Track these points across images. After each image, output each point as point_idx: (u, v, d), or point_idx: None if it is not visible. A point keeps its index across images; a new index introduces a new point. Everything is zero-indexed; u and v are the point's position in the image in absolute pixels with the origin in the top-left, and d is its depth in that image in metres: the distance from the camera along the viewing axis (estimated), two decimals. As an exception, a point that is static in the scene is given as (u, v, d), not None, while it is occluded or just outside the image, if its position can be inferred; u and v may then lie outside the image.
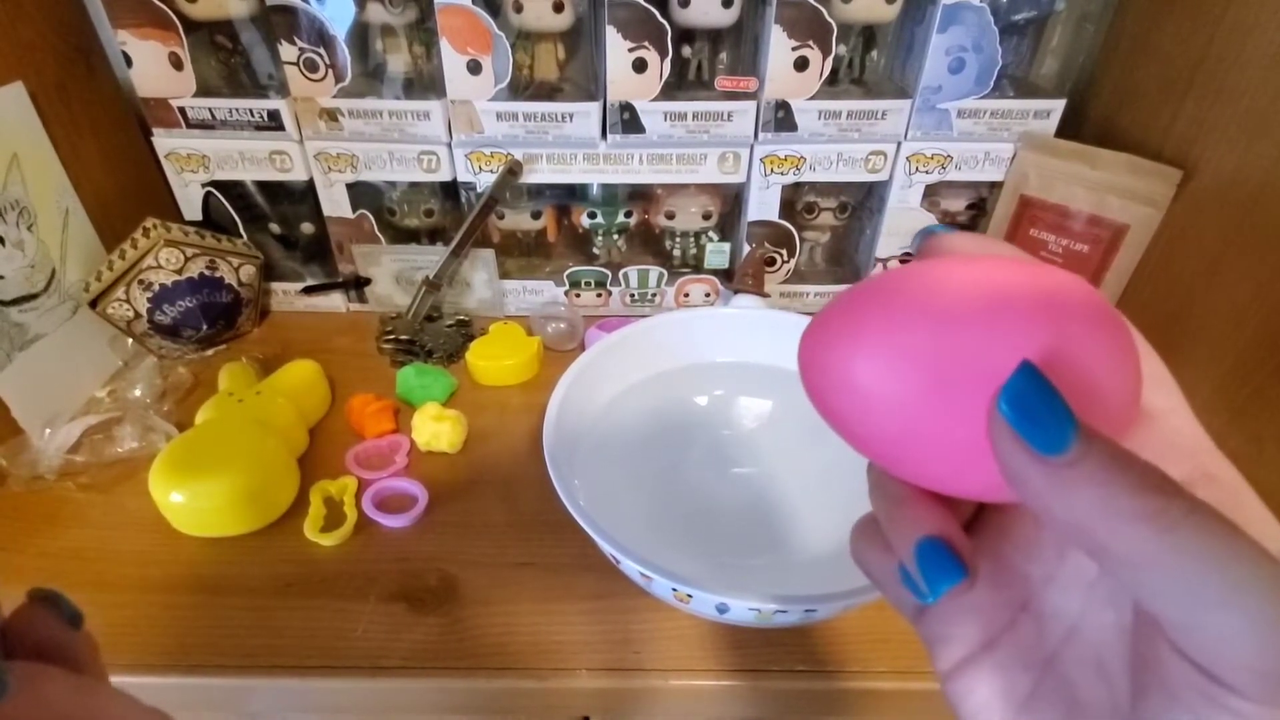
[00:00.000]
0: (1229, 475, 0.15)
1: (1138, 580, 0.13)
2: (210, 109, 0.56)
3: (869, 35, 0.57)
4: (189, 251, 0.57)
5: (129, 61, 0.54)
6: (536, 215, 0.64)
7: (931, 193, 0.62)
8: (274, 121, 0.57)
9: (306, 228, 0.65)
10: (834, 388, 0.17)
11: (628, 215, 0.64)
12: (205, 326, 0.59)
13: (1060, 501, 0.13)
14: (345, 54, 0.54)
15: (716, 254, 0.65)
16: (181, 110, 0.56)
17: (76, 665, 0.19)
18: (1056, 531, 0.14)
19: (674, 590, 0.34)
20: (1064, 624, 0.18)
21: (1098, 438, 0.13)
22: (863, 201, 0.65)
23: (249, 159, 0.59)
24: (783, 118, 0.57)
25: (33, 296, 0.51)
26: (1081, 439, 0.13)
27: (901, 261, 0.65)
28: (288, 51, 0.54)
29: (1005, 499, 0.16)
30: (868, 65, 0.59)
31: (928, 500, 0.17)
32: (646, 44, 0.53)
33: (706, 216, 0.63)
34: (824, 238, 0.67)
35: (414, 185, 0.62)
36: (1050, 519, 0.14)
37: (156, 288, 0.56)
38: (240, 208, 0.62)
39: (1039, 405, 0.13)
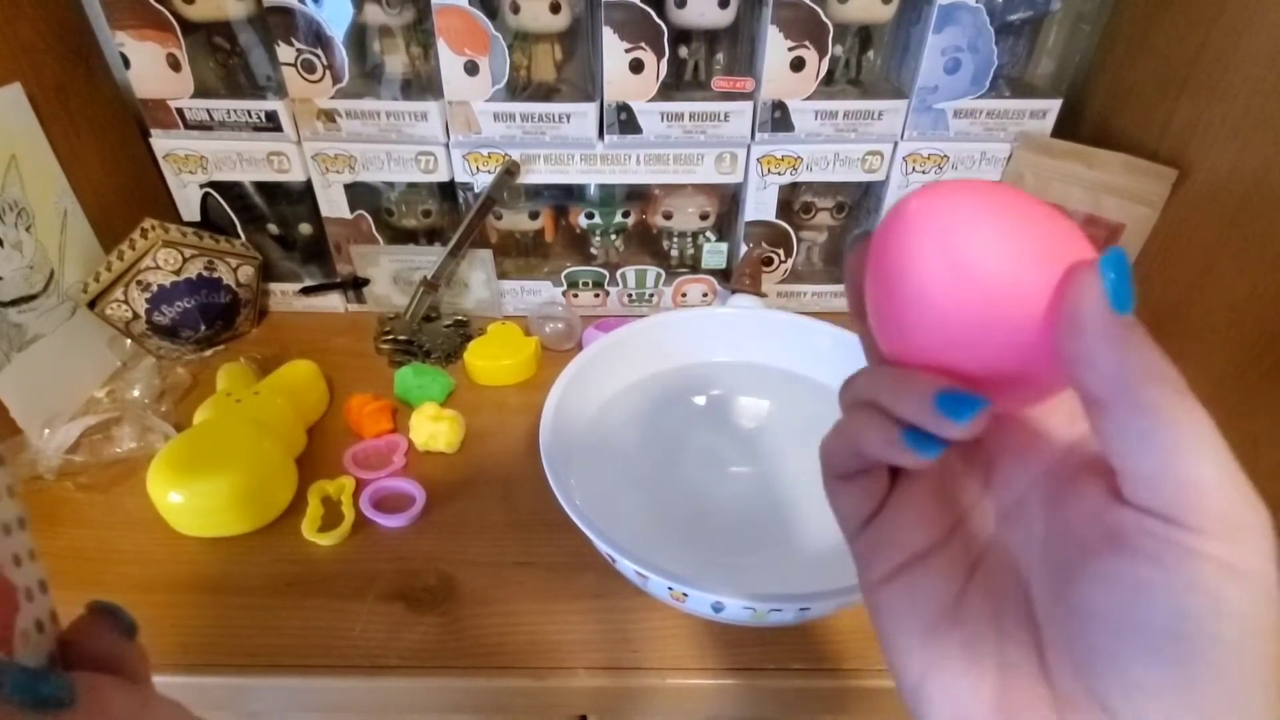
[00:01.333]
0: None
1: (1140, 428, 0.16)
2: (208, 110, 0.56)
3: (865, 36, 0.58)
4: (187, 252, 0.57)
5: (127, 63, 0.54)
6: (534, 215, 0.64)
7: (928, 192, 0.62)
8: (272, 122, 0.57)
9: (304, 228, 0.65)
10: (928, 257, 0.18)
11: (625, 215, 0.64)
12: (203, 327, 0.59)
13: (1112, 352, 0.16)
14: (343, 55, 0.54)
15: (714, 254, 0.65)
16: (179, 111, 0.57)
17: (131, 675, 0.19)
18: (1089, 381, 0.16)
19: (670, 589, 0.34)
20: (982, 540, 0.21)
21: (1139, 325, 0.16)
22: (860, 201, 0.65)
23: (247, 160, 0.59)
24: (779, 118, 0.57)
25: (31, 297, 0.51)
26: (1135, 313, 0.16)
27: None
28: (285, 53, 0.54)
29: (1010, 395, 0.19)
30: (864, 65, 0.59)
31: (933, 372, 0.19)
32: (643, 45, 0.53)
33: (704, 217, 0.63)
34: (821, 238, 0.67)
35: (412, 186, 0.62)
36: (1091, 367, 0.16)
37: (155, 288, 0.56)
38: (238, 208, 0.62)
39: (1124, 275, 0.16)
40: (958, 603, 0.20)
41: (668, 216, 0.63)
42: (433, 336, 0.62)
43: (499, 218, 0.64)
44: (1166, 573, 0.15)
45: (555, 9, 0.53)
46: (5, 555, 0.17)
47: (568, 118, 0.57)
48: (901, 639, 0.20)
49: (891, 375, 0.19)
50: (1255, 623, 0.15)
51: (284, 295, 0.67)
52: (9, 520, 0.17)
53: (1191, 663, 0.15)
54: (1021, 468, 0.20)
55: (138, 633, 0.20)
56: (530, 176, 0.59)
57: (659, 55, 0.54)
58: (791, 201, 0.64)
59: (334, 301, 0.67)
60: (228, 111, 0.57)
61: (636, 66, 0.54)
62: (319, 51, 0.54)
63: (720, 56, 0.58)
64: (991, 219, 0.18)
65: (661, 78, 0.55)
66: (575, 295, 0.66)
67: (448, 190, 0.61)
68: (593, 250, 0.66)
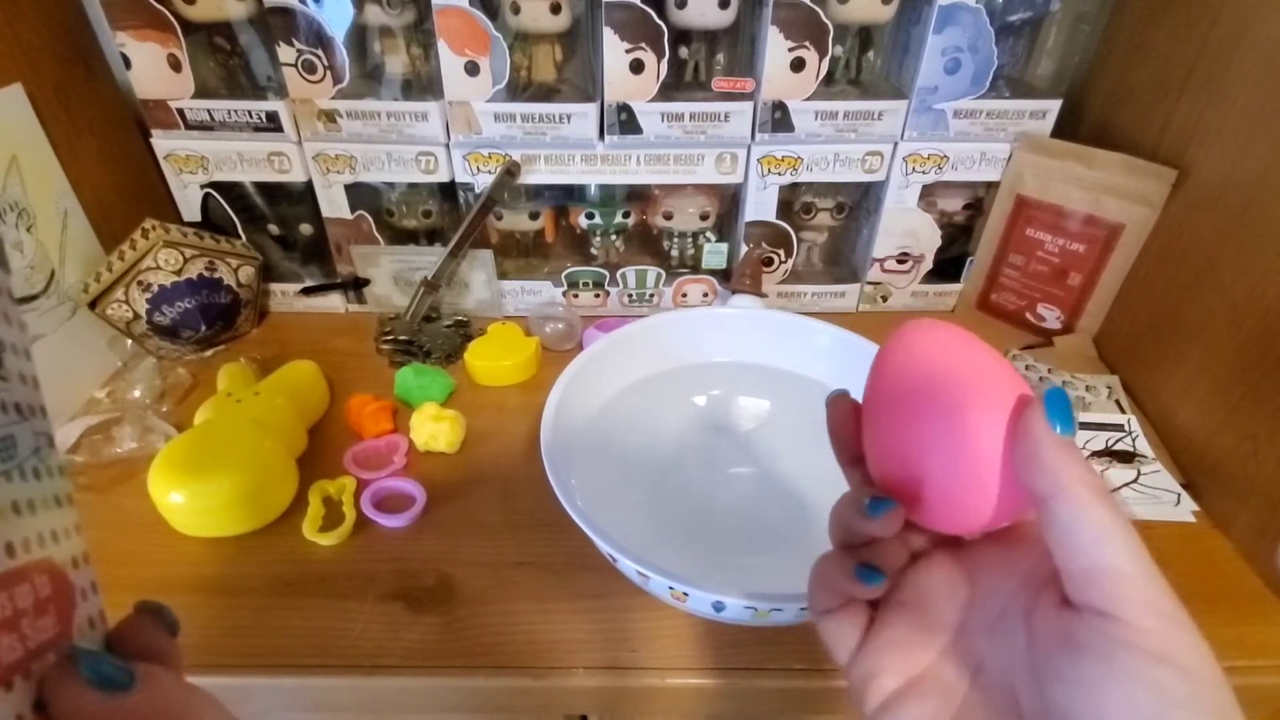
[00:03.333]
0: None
1: (1072, 519, 0.18)
2: (209, 110, 0.57)
3: (865, 36, 0.58)
4: (188, 253, 0.57)
5: (128, 63, 0.54)
6: (534, 216, 0.64)
7: (928, 193, 0.62)
8: (272, 123, 0.57)
9: (305, 229, 0.65)
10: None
11: (625, 216, 0.64)
12: (204, 327, 0.59)
13: (1052, 458, 0.19)
14: (343, 55, 0.54)
15: (714, 254, 0.65)
16: (180, 112, 0.57)
17: (175, 670, 0.20)
18: (1036, 480, 0.19)
19: (671, 589, 0.34)
20: (975, 660, 0.22)
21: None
22: (860, 202, 0.65)
23: (248, 160, 0.59)
24: (780, 118, 0.57)
25: (32, 297, 0.51)
26: (1073, 434, 0.19)
27: (899, 261, 0.65)
28: (286, 53, 0.54)
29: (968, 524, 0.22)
30: (864, 66, 0.59)
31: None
32: (644, 45, 0.53)
33: (704, 217, 0.63)
34: (821, 238, 0.67)
35: (412, 186, 0.62)
36: (1039, 468, 0.19)
37: (155, 289, 0.56)
38: (239, 209, 0.62)
39: (1064, 407, 0.20)
40: None
41: (668, 217, 0.63)
42: (433, 337, 0.62)
43: (499, 218, 0.64)
44: (1110, 666, 0.17)
45: (556, 9, 0.53)
46: (65, 557, 0.18)
47: (568, 118, 0.57)
48: None
49: (849, 494, 0.24)
50: (1201, 708, 0.16)
51: (284, 295, 0.67)
52: (69, 525, 0.19)
53: None
54: (1001, 581, 0.22)
55: (179, 631, 0.21)
56: (531, 177, 0.59)
57: (659, 56, 0.54)
58: (792, 202, 0.64)
59: (334, 302, 0.67)
60: (228, 112, 0.57)
61: (637, 67, 0.54)
62: (320, 52, 0.54)
63: (720, 57, 0.58)
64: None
65: (662, 78, 0.55)
66: (576, 295, 0.66)
67: (448, 191, 0.61)
68: (593, 250, 0.67)
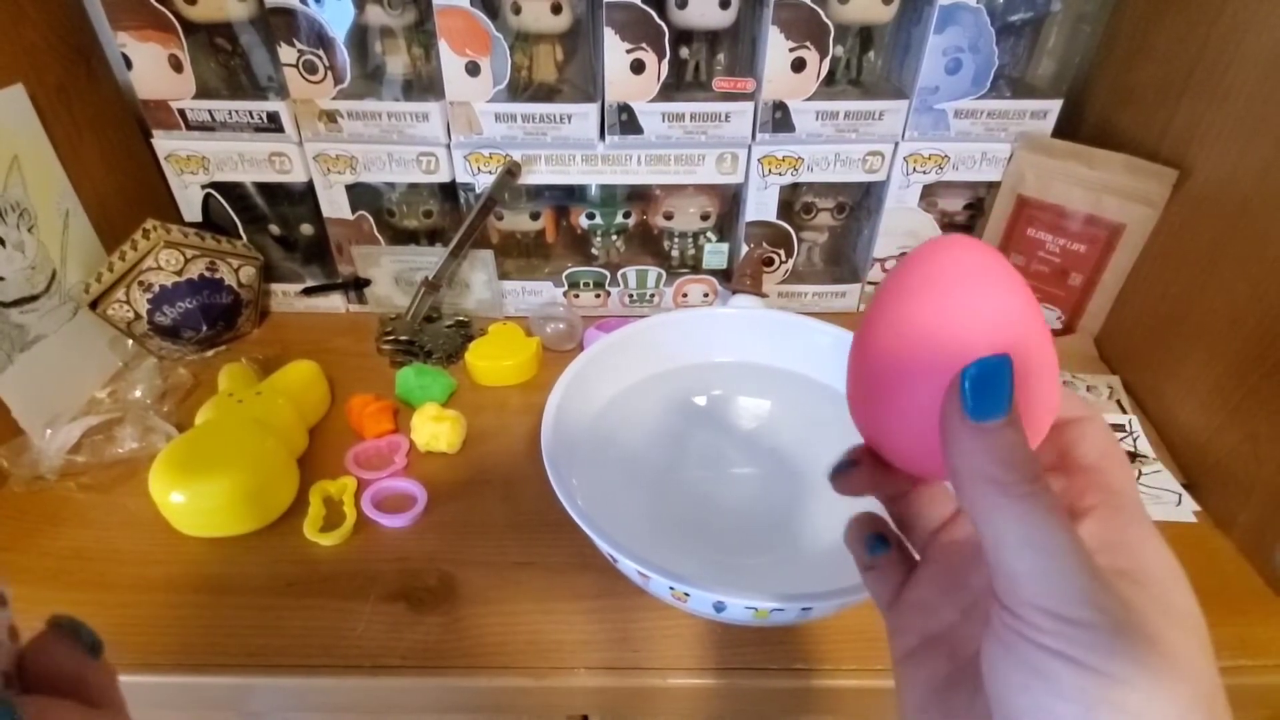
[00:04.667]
0: (1133, 511, 0.20)
1: (981, 526, 0.18)
2: (210, 111, 0.57)
3: (866, 36, 0.58)
4: (189, 253, 0.57)
5: (129, 63, 0.54)
6: (535, 216, 0.64)
7: (929, 193, 0.62)
8: (273, 123, 0.57)
9: (306, 229, 0.65)
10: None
11: (626, 216, 0.64)
12: (205, 327, 0.59)
13: (957, 461, 0.18)
14: (344, 56, 0.54)
15: (715, 254, 0.65)
16: (181, 112, 0.57)
17: (94, 695, 0.18)
18: (951, 478, 0.18)
19: (672, 589, 0.34)
20: (982, 627, 0.21)
21: (1010, 430, 0.17)
22: (860, 202, 0.65)
23: (248, 160, 0.59)
24: (780, 118, 0.57)
25: (33, 298, 0.51)
26: (999, 422, 0.17)
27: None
28: (287, 54, 0.54)
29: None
30: (865, 66, 0.59)
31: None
32: (644, 45, 0.53)
33: (705, 217, 0.63)
34: (822, 238, 0.67)
35: (413, 186, 0.62)
36: (949, 466, 0.18)
37: (156, 289, 0.56)
38: (240, 209, 0.62)
39: (980, 386, 0.18)
40: (946, 687, 0.21)
41: (669, 217, 0.63)
42: (434, 337, 0.62)
43: (500, 218, 0.64)
44: (1008, 653, 0.17)
45: (556, 10, 0.53)
46: None
47: (569, 118, 0.57)
48: (902, 711, 0.22)
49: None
50: (1081, 697, 0.16)
51: (285, 296, 0.67)
52: None
53: None
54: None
55: (102, 650, 0.19)
56: (531, 177, 0.59)
57: (660, 56, 0.54)
58: (792, 202, 0.64)
59: (335, 302, 0.67)
60: (229, 112, 0.57)
61: (638, 67, 0.54)
62: (320, 52, 0.54)
63: (721, 57, 0.58)
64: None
65: (662, 78, 0.55)
66: (576, 296, 0.66)
67: (449, 191, 0.61)
68: (594, 251, 0.67)
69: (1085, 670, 0.16)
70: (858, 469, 0.23)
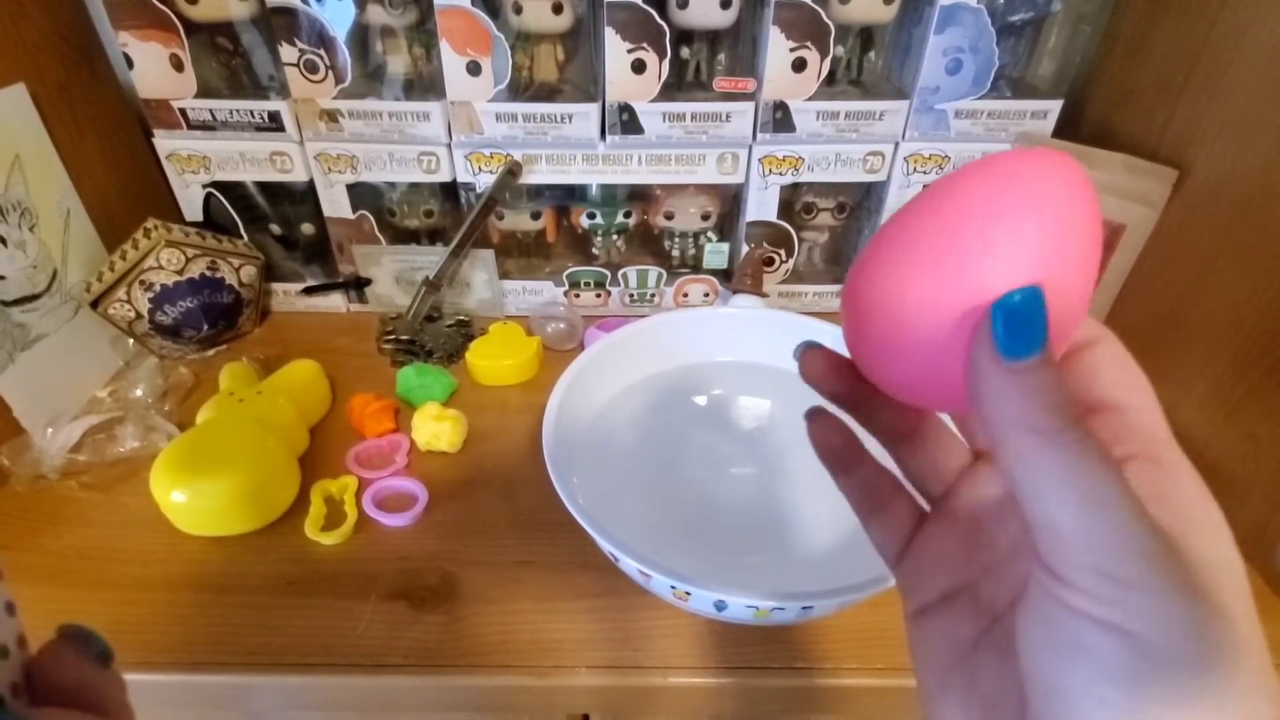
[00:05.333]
0: (1173, 460, 0.18)
1: (1019, 478, 0.16)
2: (211, 110, 0.57)
3: (867, 36, 0.58)
4: (190, 252, 0.57)
5: (130, 63, 0.54)
6: (536, 216, 0.64)
7: (929, 193, 0.62)
8: (274, 123, 0.57)
9: (307, 228, 0.65)
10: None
11: (627, 216, 0.64)
12: (206, 327, 0.59)
13: (990, 406, 0.16)
14: (345, 55, 0.54)
15: (715, 254, 0.65)
16: (182, 111, 0.57)
17: (104, 705, 0.18)
18: (982, 425, 0.16)
19: (673, 588, 0.34)
20: (1013, 588, 0.19)
21: (1045, 369, 0.16)
22: (861, 202, 0.65)
23: (249, 160, 0.59)
24: (781, 118, 0.57)
25: (34, 297, 0.51)
26: (1034, 360, 0.15)
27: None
28: (288, 53, 0.54)
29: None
30: (865, 66, 0.59)
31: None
32: (645, 45, 0.53)
33: (705, 217, 0.63)
34: (822, 238, 0.67)
35: (414, 186, 0.62)
36: (980, 413, 0.16)
37: (157, 288, 0.56)
38: (241, 208, 0.62)
39: (1013, 322, 0.16)
40: (973, 650, 0.19)
41: (669, 217, 0.63)
42: (435, 336, 0.62)
43: (501, 218, 0.64)
44: (1048, 628, 0.16)
45: (557, 9, 0.53)
46: None
47: (570, 118, 0.57)
48: (922, 674, 0.20)
49: None
50: (1130, 680, 0.14)
51: (286, 295, 0.67)
52: None
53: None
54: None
55: (113, 659, 0.19)
56: (532, 177, 0.59)
57: (661, 56, 0.54)
58: (793, 202, 0.64)
59: (336, 301, 0.67)
60: (230, 112, 0.57)
61: (638, 67, 0.54)
62: (322, 52, 0.54)
63: (722, 57, 0.58)
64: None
65: (663, 78, 0.55)
66: (577, 295, 0.66)
67: (450, 190, 0.61)
68: (594, 250, 0.67)
69: (1140, 645, 0.14)
70: (821, 356, 0.21)
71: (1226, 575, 0.16)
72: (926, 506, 0.22)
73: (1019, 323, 0.15)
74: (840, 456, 0.23)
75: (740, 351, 0.53)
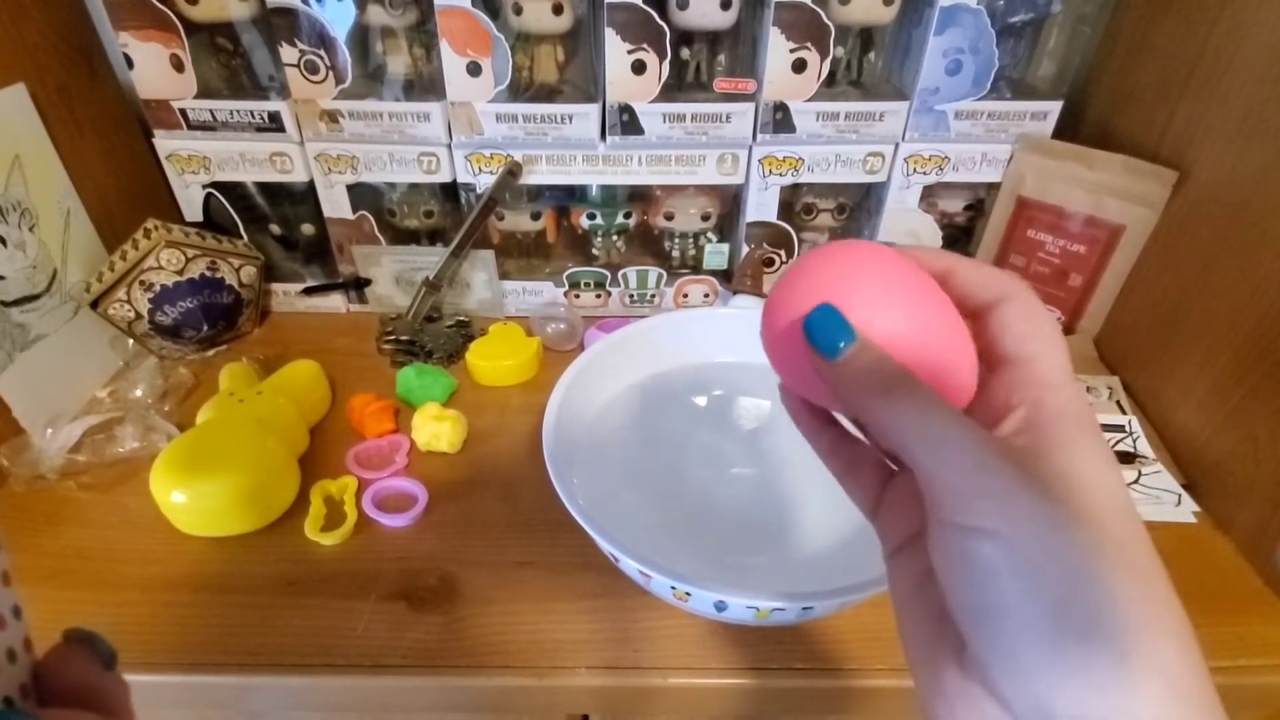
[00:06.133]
0: (1051, 402, 0.19)
1: (885, 437, 0.19)
2: (211, 110, 0.57)
3: (867, 37, 0.58)
4: (190, 252, 0.57)
5: (130, 63, 0.54)
6: (536, 216, 0.64)
7: (929, 194, 0.62)
8: (275, 123, 0.57)
9: (307, 229, 0.65)
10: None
11: (627, 216, 0.64)
12: (206, 327, 0.59)
13: (840, 387, 0.20)
14: (346, 56, 0.54)
15: (715, 255, 0.65)
16: (182, 112, 0.57)
17: (109, 707, 0.18)
18: (845, 409, 0.21)
19: (673, 589, 0.34)
20: None
21: (863, 352, 0.20)
22: (861, 202, 0.65)
23: (250, 160, 0.59)
24: (781, 119, 0.57)
25: (34, 297, 0.51)
26: (849, 351, 0.20)
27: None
28: (288, 53, 0.54)
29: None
30: (865, 67, 0.59)
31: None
32: (645, 46, 0.53)
33: (705, 217, 0.63)
34: (822, 238, 0.67)
35: (414, 186, 0.62)
36: (840, 400, 0.21)
37: (157, 288, 0.56)
38: (241, 209, 0.62)
39: (823, 329, 0.20)
40: (926, 578, 0.21)
41: (669, 217, 0.63)
42: (434, 337, 0.62)
43: (501, 218, 0.64)
44: (943, 550, 0.18)
45: (558, 10, 0.53)
46: None
47: (570, 119, 0.57)
48: (895, 604, 0.22)
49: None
50: (1013, 576, 0.16)
51: (286, 295, 0.67)
52: None
53: (997, 636, 0.17)
54: None
55: (116, 662, 0.19)
56: (532, 177, 0.59)
57: (661, 56, 0.54)
58: (793, 202, 0.64)
59: (336, 302, 0.67)
60: (230, 112, 0.57)
61: (639, 68, 0.54)
62: (322, 52, 0.54)
63: (722, 58, 0.58)
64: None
65: (663, 79, 0.55)
66: (577, 296, 0.66)
67: (450, 191, 0.61)
68: (594, 251, 0.67)
69: (1009, 545, 0.16)
70: (788, 397, 0.25)
71: (1095, 491, 0.17)
72: (895, 467, 0.25)
73: (822, 327, 0.20)
74: (809, 420, 0.25)
75: (740, 352, 0.53)
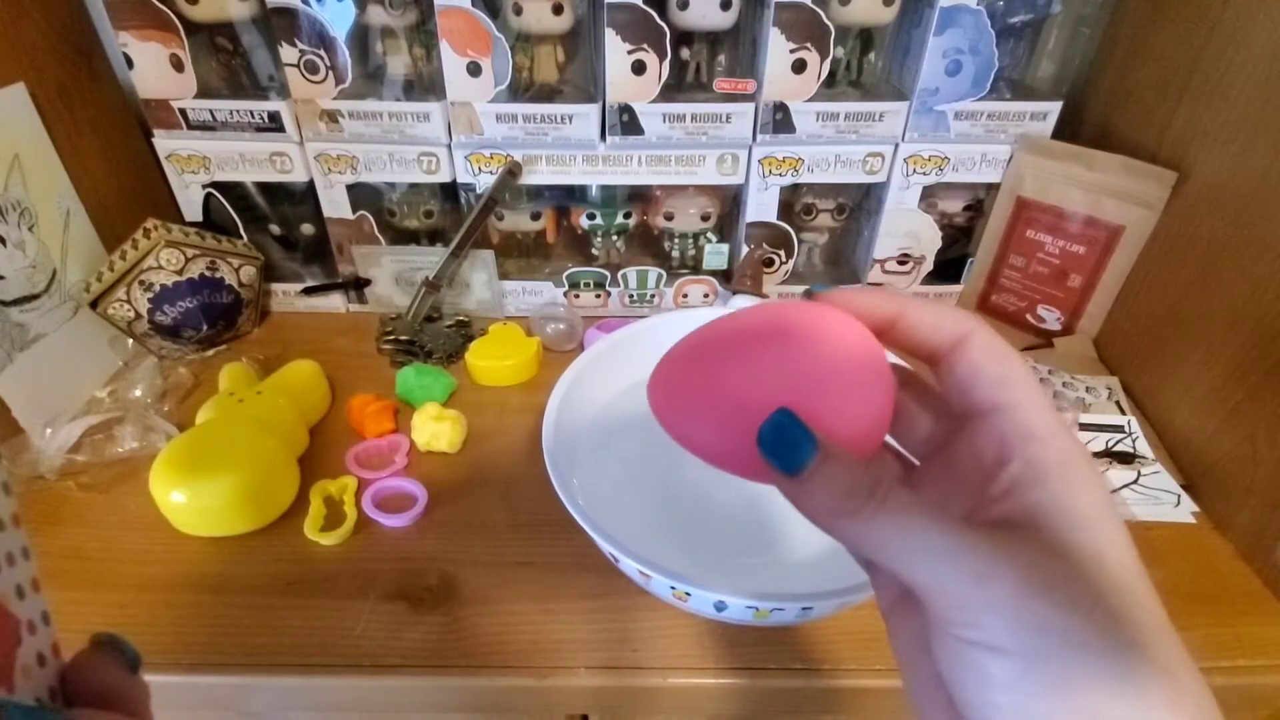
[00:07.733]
0: (1061, 459, 0.18)
1: (859, 552, 0.19)
2: (211, 110, 0.57)
3: (867, 38, 0.58)
4: (189, 252, 0.57)
5: (130, 63, 0.54)
6: (536, 216, 0.64)
7: (929, 194, 0.62)
8: (274, 123, 0.57)
9: (307, 229, 0.65)
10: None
11: (627, 216, 0.64)
12: (205, 327, 0.59)
13: (803, 504, 0.18)
14: (346, 56, 0.54)
15: (715, 255, 0.65)
16: (182, 111, 0.57)
17: (133, 709, 0.19)
18: (818, 527, 0.19)
19: (673, 589, 0.34)
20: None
21: (824, 464, 0.18)
22: (860, 203, 0.65)
23: (249, 160, 0.59)
24: (781, 119, 0.57)
25: (34, 297, 0.51)
26: (812, 463, 0.18)
27: (900, 263, 0.66)
28: (288, 53, 0.54)
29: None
30: (865, 67, 0.59)
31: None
32: (645, 46, 0.53)
33: (705, 218, 0.63)
34: (822, 239, 0.67)
35: (414, 186, 0.62)
36: (805, 515, 0.19)
37: (157, 288, 0.56)
38: (241, 209, 0.62)
39: (780, 447, 0.18)
40: (926, 648, 0.20)
41: (669, 217, 0.63)
42: (434, 337, 0.62)
43: (501, 218, 0.64)
44: (948, 651, 0.17)
45: (558, 10, 0.53)
46: (8, 587, 0.16)
47: (570, 119, 0.57)
48: (897, 658, 0.22)
49: None
50: (1014, 686, 0.16)
51: (286, 295, 0.67)
52: (12, 550, 0.16)
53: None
54: None
55: (140, 665, 0.20)
56: (532, 177, 0.59)
57: (661, 57, 0.54)
58: (793, 203, 0.64)
59: (336, 302, 0.67)
60: (230, 112, 0.57)
61: (639, 68, 0.54)
62: (322, 52, 0.54)
63: (722, 58, 0.58)
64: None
65: (663, 79, 0.55)
66: (577, 296, 0.66)
67: (450, 191, 0.61)
68: (594, 251, 0.67)
69: (1011, 657, 0.16)
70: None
71: (1104, 563, 0.17)
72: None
73: (781, 445, 0.18)
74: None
75: (740, 352, 0.53)
